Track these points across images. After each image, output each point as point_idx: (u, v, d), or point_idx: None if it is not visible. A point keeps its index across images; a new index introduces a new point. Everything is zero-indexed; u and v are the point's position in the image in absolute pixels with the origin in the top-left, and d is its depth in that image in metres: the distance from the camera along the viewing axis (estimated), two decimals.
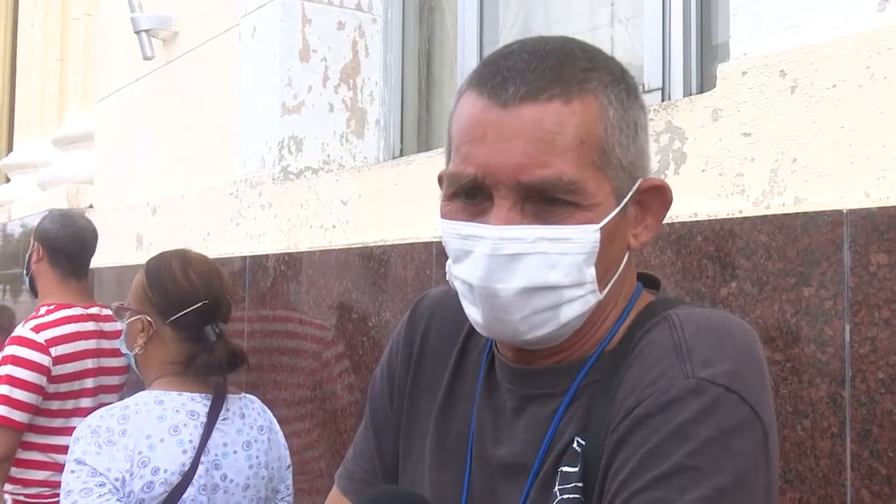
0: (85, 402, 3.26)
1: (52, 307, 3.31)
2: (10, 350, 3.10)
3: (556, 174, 1.01)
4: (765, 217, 1.67)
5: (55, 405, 3.19)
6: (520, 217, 1.03)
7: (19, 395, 3.06)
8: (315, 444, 2.98)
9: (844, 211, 1.54)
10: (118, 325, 3.27)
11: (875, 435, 1.47)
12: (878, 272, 1.49)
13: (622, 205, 1.07)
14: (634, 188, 1.08)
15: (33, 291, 3.52)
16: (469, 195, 1.06)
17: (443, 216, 1.10)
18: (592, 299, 1.06)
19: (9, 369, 3.06)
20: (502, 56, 1.09)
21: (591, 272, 1.05)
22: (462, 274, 1.07)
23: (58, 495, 3.17)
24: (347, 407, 2.85)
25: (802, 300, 1.59)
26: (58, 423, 3.21)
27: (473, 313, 1.08)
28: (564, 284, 1.04)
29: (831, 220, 1.56)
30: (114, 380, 3.43)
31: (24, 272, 3.50)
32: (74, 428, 3.14)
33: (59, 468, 3.15)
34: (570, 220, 1.03)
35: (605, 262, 1.06)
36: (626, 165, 1.07)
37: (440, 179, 1.16)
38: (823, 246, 1.57)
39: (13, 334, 3.20)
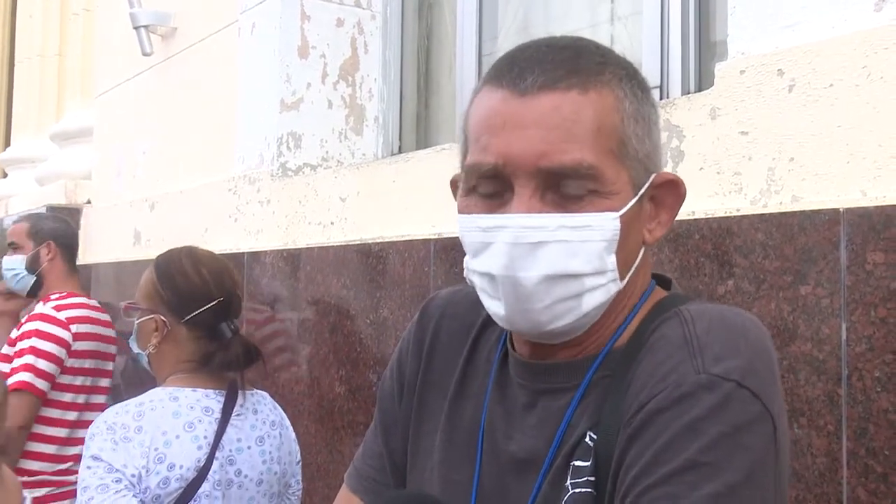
0: (86, 381, 3.56)
1: (63, 294, 3.62)
2: (33, 325, 3.39)
3: (575, 160, 1.02)
4: (762, 215, 1.68)
5: (66, 379, 3.45)
6: (540, 205, 1.04)
7: (43, 364, 3.33)
8: (312, 440, 2.99)
9: (841, 210, 1.55)
10: (106, 315, 3.62)
11: (871, 433, 1.48)
12: (874, 271, 1.49)
13: (639, 195, 1.08)
14: (649, 182, 1.09)
15: (33, 291, 3.71)
16: (488, 190, 1.07)
17: (461, 211, 1.10)
18: (613, 288, 1.07)
19: (33, 341, 3.34)
20: (518, 50, 1.10)
21: (612, 260, 1.05)
22: (482, 266, 1.07)
23: (60, 473, 3.37)
24: (344, 403, 2.85)
25: (799, 298, 1.60)
26: (67, 398, 3.49)
27: (494, 306, 1.08)
28: (586, 272, 1.04)
29: (828, 219, 1.56)
30: (107, 365, 3.70)
31: (29, 272, 3.66)
32: (82, 405, 3.46)
33: (65, 442, 3.44)
34: (590, 208, 1.04)
35: (624, 252, 1.07)
36: (642, 158, 1.08)
37: (453, 185, 1.17)
38: (820, 244, 1.57)
39: (34, 312, 3.49)
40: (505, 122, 1.05)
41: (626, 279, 1.09)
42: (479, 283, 1.10)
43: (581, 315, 1.06)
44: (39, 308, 3.52)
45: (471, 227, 1.08)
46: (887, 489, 1.46)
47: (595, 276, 1.05)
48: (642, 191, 1.08)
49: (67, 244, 3.76)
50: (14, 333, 3.49)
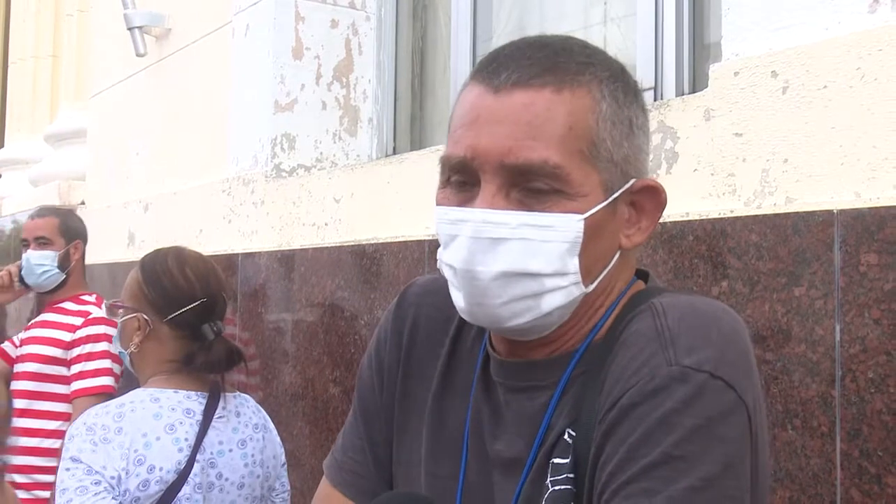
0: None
1: (93, 295, 3.67)
2: (103, 329, 3.43)
3: (541, 158, 1.02)
4: (756, 217, 1.68)
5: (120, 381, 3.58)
6: (505, 202, 1.03)
7: (117, 369, 3.42)
8: (306, 442, 2.98)
9: (835, 211, 1.55)
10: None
11: (865, 434, 1.48)
12: (868, 272, 1.49)
13: (611, 199, 1.07)
14: (627, 186, 1.08)
15: (52, 290, 3.63)
16: (459, 181, 1.07)
17: (437, 203, 1.10)
18: (576, 291, 1.06)
19: (108, 346, 3.39)
20: (502, 48, 1.10)
21: (575, 263, 1.05)
22: (448, 258, 1.07)
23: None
24: (339, 404, 2.85)
25: (793, 300, 1.60)
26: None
27: (457, 298, 1.09)
28: (545, 273, 1.04)
29: (822, 221, 1.56)
30: None
31: (60, 269, 3.61)
32: None
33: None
34: (554, 208, 1.03)
35: (591, 256, 1.06)
36: (618, 161, 1.07)
37: None
38: (814, 246, 1.57)
39: (94, 315, 3.52)
40: (478, 116, 1.05)
41: (595, 283, 1.08)
42: (447, 273, 1.10)
43: (541, 315, 1.06)
44: (97, 311, 3.55)
45: (442, 219, 1.08)
46: (881, 490, 1.46)
47: (555, 278, 1.04)
48: (616, 195, 1.07)
49: (86, 242, 3.76)
50: (63, 334, 3.45)
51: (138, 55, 4.35)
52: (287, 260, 3.19)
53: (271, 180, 3.37)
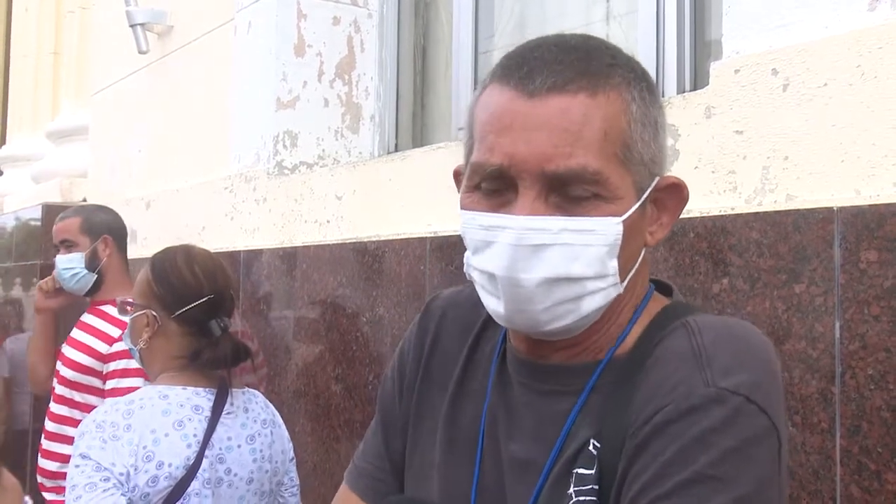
0: None
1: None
2: None
3: (581, 165, 1.02)
4: (756, 214, 1.68)
5: None
6: (544, 208, 1.03)
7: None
8: (308, 439, 2.99)
9: (835, 208, 1.55)
10: None
11: (864, 431, 1.49)
12: (868, 269, 1.50)
13: (642, 199, 1.07)
14: (653, 185, 1.09)
15: (91, 291, 3.42)
16: (491, 188, 1.07)
17: (463, 207, 1.09)
18: (613, 292, 1.07)
19: None
20: (528, 49, 1.09)
21: (614, 265, 1.05)
22: (483, 265, 1.07)
23: None
24: (340, 401, 2.86)
25: (793, 297, 1.60)
26: None
27: (494, 304, 1.08)
28: (587, 276, 1.04)
29: (822, 218, 1.57)
30: None
31: (90, 270, 3.38)
32: None
33: None
34: (593, 212, 1.03)
35: (626, 256, 1.07)
36: (647, 161, 1.08)
37: (456, 175, 1.17)
38: (814, 243, 1.58)
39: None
40: (512, 122, 1.04)
41: (626, 282, 1.09)
42: (478, 279, 1.09)
43: (580, 317, 1.06)
44: None
45: (472, 225, 1.07)
46: (881, 486, 1.46)
47: (596, 280, 1.05)
48: (646, 194, 1.08)
49: (121, 236, 3.48)
50: (100, 344, 3.21)
51: (140, 52, 4.36)
52: (289, 257, 3.20)
53: (273, 177, 3.38)
